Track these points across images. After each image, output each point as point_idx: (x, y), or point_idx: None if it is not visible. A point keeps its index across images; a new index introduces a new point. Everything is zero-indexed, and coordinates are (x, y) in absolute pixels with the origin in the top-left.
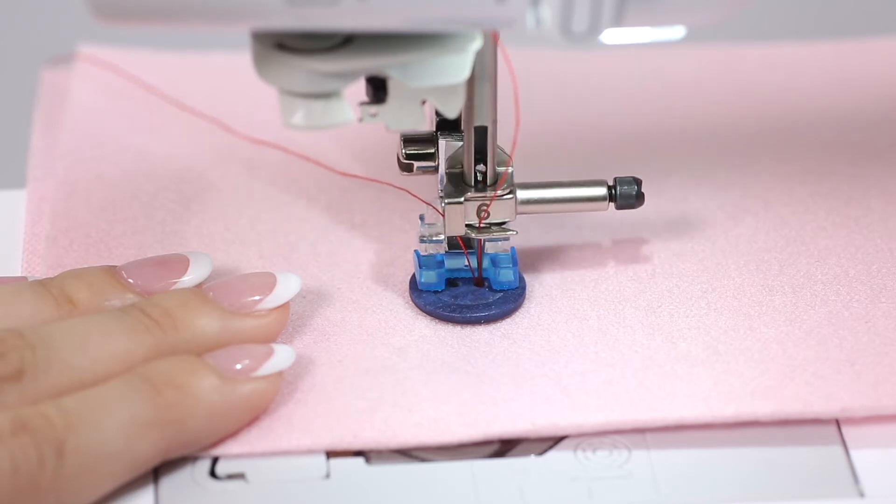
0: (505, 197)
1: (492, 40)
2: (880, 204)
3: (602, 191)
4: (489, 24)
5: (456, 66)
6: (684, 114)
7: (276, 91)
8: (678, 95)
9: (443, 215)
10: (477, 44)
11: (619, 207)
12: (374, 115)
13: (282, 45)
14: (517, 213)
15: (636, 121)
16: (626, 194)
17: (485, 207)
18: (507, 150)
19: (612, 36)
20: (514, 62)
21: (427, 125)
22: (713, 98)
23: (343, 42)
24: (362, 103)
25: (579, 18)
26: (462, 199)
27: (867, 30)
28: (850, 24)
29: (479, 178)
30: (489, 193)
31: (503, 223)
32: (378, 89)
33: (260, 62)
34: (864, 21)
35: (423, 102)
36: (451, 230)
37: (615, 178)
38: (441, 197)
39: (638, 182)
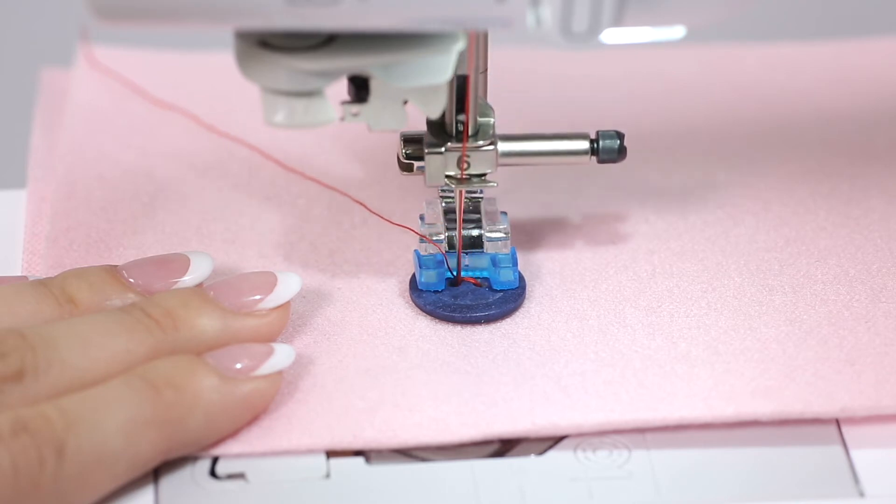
0: (485, 148)
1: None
2: (880, 204)
3: (584, 144)
4: (489, 24)
5: (439, 67)
6: (684, 114)
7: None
8: (678, 95)
9: (418, 234)
10: (460, 44)
11: (600, 161)
12: (355, 115)
13: (265, 42)
14: (498, 165)
15: (636, 121)
16: (609, 148)
17: (464, 157)
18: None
19: (612, 36)
20: (514, 62)
21: (408, 125)
22: (713, 98)
23: (326, 41)
24: (344, 102)
25: (579, 18)
26: (443, 149)
27: (867, 30)
28: (850, 24)
29: (461, 128)
30: (469, 144)
31: (484, 175)
32: (360, 89)
33: (243, 60)
34: (864, 21)
35: (405, 102)
36: (431, 180)
37: (598, 132)
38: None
39: (620, 136)
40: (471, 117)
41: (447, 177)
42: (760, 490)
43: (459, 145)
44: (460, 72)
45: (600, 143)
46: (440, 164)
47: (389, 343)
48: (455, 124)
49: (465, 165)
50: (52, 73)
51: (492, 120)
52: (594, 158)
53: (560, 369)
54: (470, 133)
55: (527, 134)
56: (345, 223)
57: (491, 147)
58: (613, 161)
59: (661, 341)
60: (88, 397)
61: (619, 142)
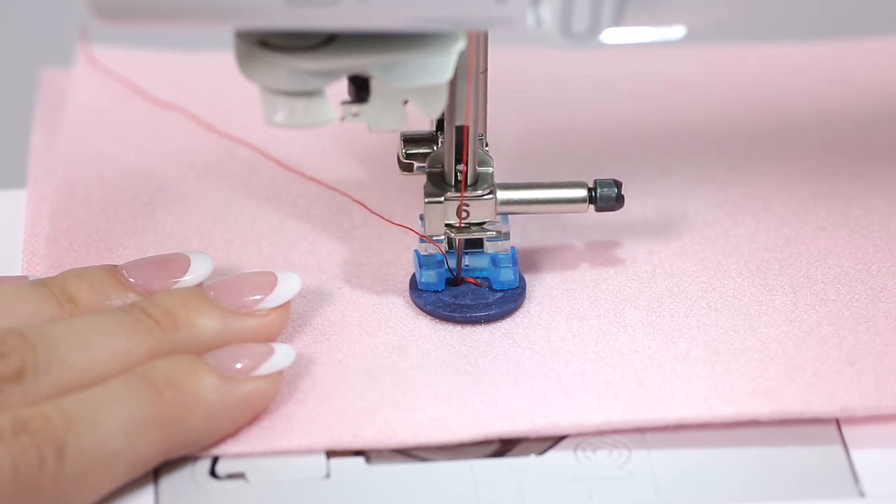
0: (485, 197)
1: (472, 40)
2: (880, 204)
3: (582, 192)
4: (489, 24)
5: (439, 67)
6: (684, 114)
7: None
8: (678, 95)
9: (418, 234)
10: (461, 44)
11: (598, 209)
12: (356, 115)
13: (265, 42)
14: (497, 214)
15: (636, 121)
16: (606, 196)
17: (462, 206)
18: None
19: (612, 36)
20: (513, 62)
21: (408, 125)
22: (713, 98)
23: (326, 41)
24: (345, 102)
25: (579, 18)
26: (442, 198)
27: (867, 30)
28: (850, 24)
29: (460, 177)
30: (468, 193)
31: (483, 223)
32: (360, 89)
33: (243, 59)
34: (864, 21)
35: (406, 102)
36: (430, 230)
37: (595, 181)
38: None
39: (618, 184)
40: (470, 166)
41: (447, 225)
42: (760, 490)
43: (458, 195)
44: (459, 122)
45: (598, 191)
46: (440, 213)
47: (389, 343)
48: (454, 174)
49: (464, 215)
50: (52, 73)
51: (491, 169)
52: (592, 207)
53: (560, 369)
54: (469, 182)
55: (525, 183)
56: (345, 223)
57: (490, 196)
58: (611, 209)
59: (661, 341)
60: (88, 397)
61: (616, 190)
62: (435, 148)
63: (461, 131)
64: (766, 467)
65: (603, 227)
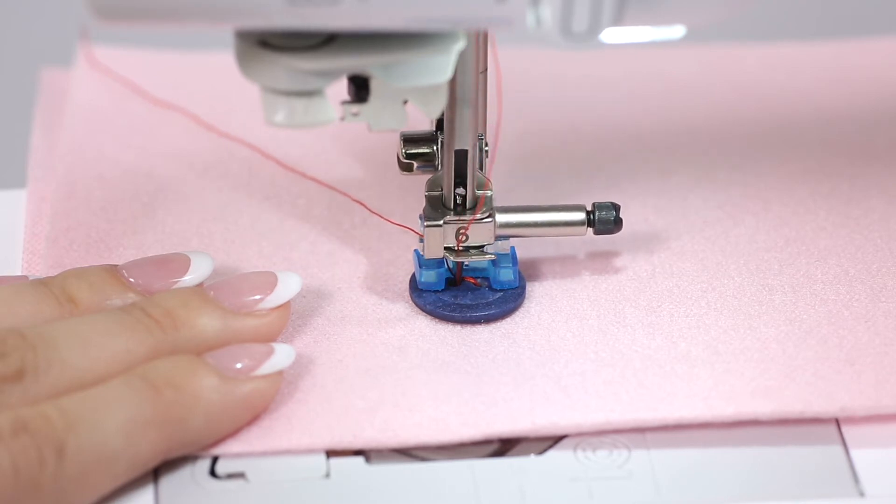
0: (484, 220)
1: (474, 65)
2: (880, 204)
3: (581, 216)
4: (489, 24)
5: (439, 67)
6: (684, 114)
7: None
8: (678, 95)
9: (418, 234)
10: (461, 44)
11: (597, 233)
12: (355, 115)
13: (265, 42)
14: (496, 237)
15: (636, 121)
16: (605, 219)
17: (463, 230)
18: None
19: (612, 36)
20: (514, 62)
21: (408, 125)
22: (713, 98)
23: (326, 40)
24: (344, 102)
25: (579, 18)
26: (441, 222)
27: (867, 30)
28: (850, 24)
29: (459, 201)
30: (467, 217)
31: (482, 246)
32: (360, 88)
33: (242, 59)
34: (864, 21)
35: (405, 102)
36: (429, 253)
37: (594, 204)
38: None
39: (616, 207)
40: (469, 190)
41: (445, 249)
42: (760, 490)
43: (457, 218)
44: (459, 146)
45: (596, 214)
46: (439, 237)
47: (389, 343)
48: (453, 197)
49: (463, 238)
50: (52, 73)
51: (490, 192)
52: (591, 230)
53: (560, 369)
54: (468, 205)
55: (524, 206)
56: (345, 223)
57: (489, 219)
58: (610, 232)
59: (661, 341)
60: (88, 397)
61: (615, 213)
62: (435, 148)
63: (461, 155)
64: (766, 467)
65: None
